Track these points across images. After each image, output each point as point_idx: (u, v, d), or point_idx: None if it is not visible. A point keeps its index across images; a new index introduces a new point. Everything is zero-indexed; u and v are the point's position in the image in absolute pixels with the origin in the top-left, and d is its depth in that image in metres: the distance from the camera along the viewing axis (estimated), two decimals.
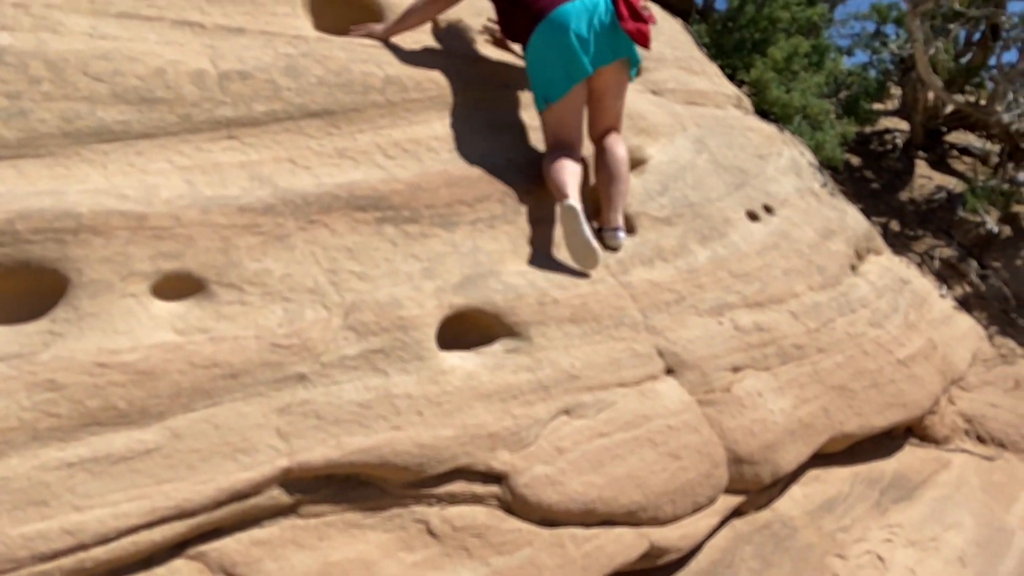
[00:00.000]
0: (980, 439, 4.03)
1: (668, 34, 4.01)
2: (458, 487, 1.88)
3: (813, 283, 3.14)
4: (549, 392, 2.09)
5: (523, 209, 2.40)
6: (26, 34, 1.75)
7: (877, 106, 7.48)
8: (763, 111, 5.12)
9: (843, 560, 2.66)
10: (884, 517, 2.95)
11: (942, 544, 2.97)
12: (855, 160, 7.42)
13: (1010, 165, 7.03)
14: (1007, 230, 6.58)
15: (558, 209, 2.40)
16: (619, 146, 2.59)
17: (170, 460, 1.54)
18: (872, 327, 3.25)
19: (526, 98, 2.70)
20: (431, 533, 1.81)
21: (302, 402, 1.72)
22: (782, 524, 2.64)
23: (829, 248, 3.44)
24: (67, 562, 1.40)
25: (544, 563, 1.90)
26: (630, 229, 2.68)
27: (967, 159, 7.87)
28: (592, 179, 2.65)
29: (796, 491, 2.80)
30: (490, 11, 2.82)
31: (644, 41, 2.46)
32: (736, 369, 2.59)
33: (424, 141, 2.30)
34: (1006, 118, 6.56)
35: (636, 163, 2.89)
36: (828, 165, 5.33)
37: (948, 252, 6.34)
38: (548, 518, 1.97)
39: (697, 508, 2.27)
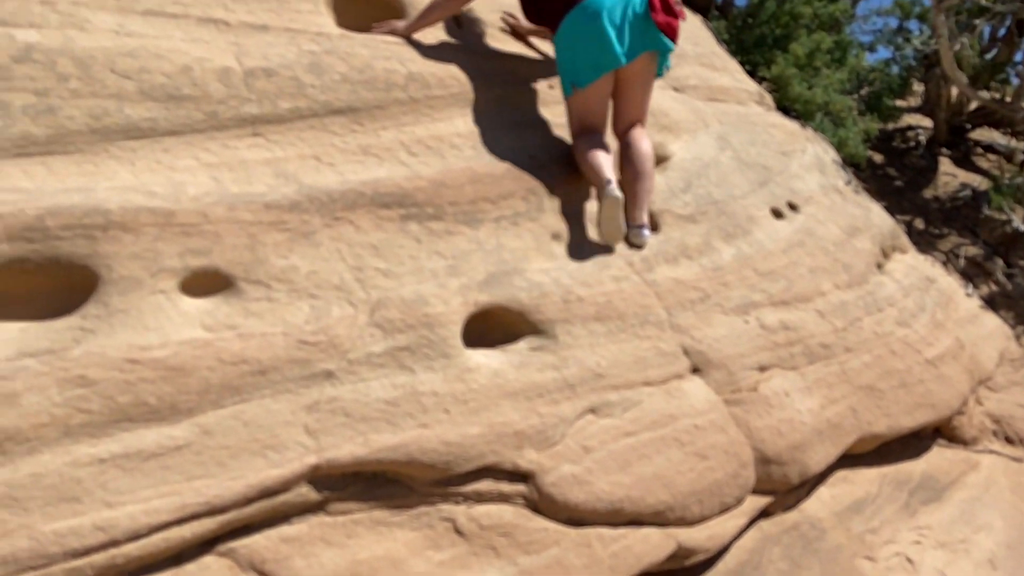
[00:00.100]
0: (1008, 440, 3.96)
1: (689, 30, 3.97)
2: (485, 486, 1.87)
3: (839, 281, 3.10)
4: (575, 391, 2.07)
5: (547, 206, 2.38)
6: (53, 31, 1.76)
7: (900, 103, 7.39)
8: (785, 108, 5.07)
9: (872, 562, 2.62)
10: (913, 519, 2.91)
11: (972, 546, 2.92)
12: (878, 157, 7.33)
13: None
14: None
15: (601, 194, 2.36)
16: (644, 141, 2.56)
17: (200, 457, 1.54)
18: (899, 326, 3.20)
19: (547, 94, 2.68)
20: (458, 532, 1.80)
21: (330, 399, 1.72)
22: (810, 525, 2.60)
23: (855, 246, 3.39)
24: (99, 558, 1.40)
25: (571, 563, 1.89)
26: (654, 227, 2.65)
27: (992, 156, 7.74)
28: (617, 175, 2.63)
29: (824, 492, 2.76)
30: (506, 5, 2.80)
31: (672, 35, 2.44)
32: (763, 368, 2.55)
33: (447, 138, 2.29)
34: None
35: (659, 160, 2.86)
36: (851, 162, 5.27)
37: (973, 250, 6.25)
38: (575, 518, 1.96)
39: (724, 509, 2.25)
